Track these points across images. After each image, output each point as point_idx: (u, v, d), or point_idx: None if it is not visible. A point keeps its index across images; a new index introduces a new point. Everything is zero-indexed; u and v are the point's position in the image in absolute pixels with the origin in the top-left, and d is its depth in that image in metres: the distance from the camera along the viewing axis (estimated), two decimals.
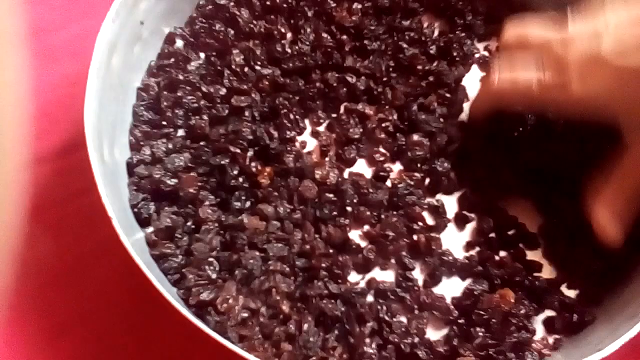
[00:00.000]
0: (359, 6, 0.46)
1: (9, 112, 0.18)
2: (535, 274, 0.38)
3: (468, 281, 0.38)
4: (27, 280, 0.35)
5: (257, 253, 0.36)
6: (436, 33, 0.47)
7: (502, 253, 0.39)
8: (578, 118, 0.37)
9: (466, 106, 0.44)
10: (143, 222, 0.37)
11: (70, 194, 0.39)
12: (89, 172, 0.33)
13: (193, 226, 0.37)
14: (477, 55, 0.46)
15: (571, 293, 0.38)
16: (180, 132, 0.41)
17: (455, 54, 0.45)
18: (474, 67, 0.46)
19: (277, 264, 0.36)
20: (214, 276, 0.36)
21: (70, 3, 0.48)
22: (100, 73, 0.35)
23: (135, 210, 0.37)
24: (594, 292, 0.38)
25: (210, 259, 0.36)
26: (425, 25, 0.47)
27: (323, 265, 0.37)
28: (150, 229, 0.37)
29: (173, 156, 0.39)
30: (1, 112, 0.18)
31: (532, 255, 0.39)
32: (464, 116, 0.43)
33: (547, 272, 0.39)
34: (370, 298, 0.37)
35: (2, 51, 0.18)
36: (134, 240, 0.34)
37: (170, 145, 0.40)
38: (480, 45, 0.47)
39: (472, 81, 0.45)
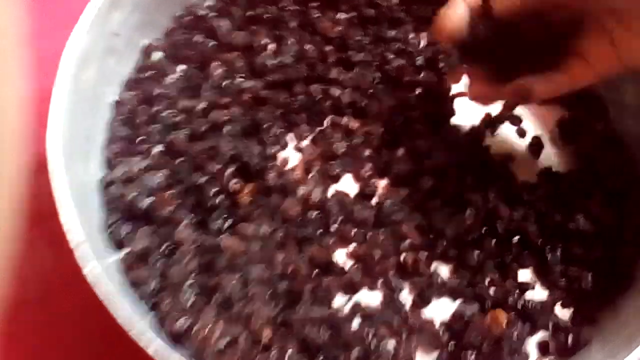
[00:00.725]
0: (344, 16, 0.45)
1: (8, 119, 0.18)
2: (528, 294, 0.37)
3: (458, 302, 0.37)
4: None
5: (237, 276, 0.35)
6: (423, 43, 0.45)
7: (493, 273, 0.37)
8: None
9: (453, 120, 0.42)
10: (117, 244, 0.35)
11: (40, 216, 0.37)
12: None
13: (170, 248, 0.36)
14: (465, 66, 0.45)
15: (565, 312, 0.37)
16: (157, 149, 0.39)
17: (442, 64, 0.44)
18: (463, 78, 0.45)
19: (258, 287, 0.34)
20: (191, 301, 0.34)
21: (42, 14, 0.46)
22: (69, 87, 0.34)
23: (110, 231, 0.35)
24: (588, 311, 0.37)
25: (188, 283, 0.34)
26: (411, 35, 0.45)
27: (306, 287, 0.35)
28: (124, 252, 0.35)
29: (149, 174, 0.37)
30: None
31: (523, 273, 0.38)
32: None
33: (539, 291, 0.37)
34: (356, 322, 0.35)
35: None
36: (107, 265, 0.33)
37: (146, 163, 0.38)
38: None
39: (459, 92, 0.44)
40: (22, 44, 0.20)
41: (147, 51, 0.42)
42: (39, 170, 0.32)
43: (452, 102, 0.43)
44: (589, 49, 0.34)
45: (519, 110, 0.43)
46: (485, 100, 0.40)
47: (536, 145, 0.42)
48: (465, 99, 0.44)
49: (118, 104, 0.40)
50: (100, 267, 0.29)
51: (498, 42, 0.36)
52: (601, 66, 0.35)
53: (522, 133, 0.43)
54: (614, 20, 0.33)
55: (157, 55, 0.43)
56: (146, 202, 0.36)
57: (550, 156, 0.42)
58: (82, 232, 0.30)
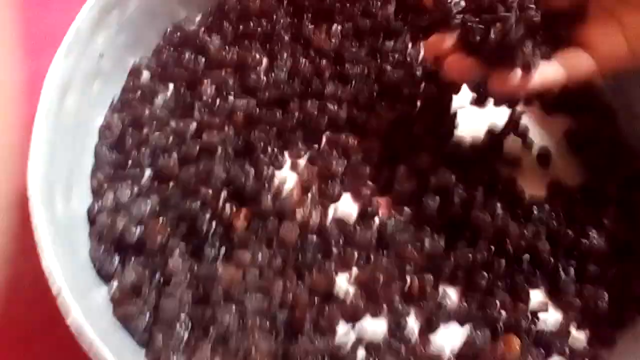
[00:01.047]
0: (339, 28, 0.44)
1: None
2: (541, 316, 0.35)
3: (467, 328, 0.35)
4: None
5: (234, 307, 0.33)
6: (421, 54, 0.44)
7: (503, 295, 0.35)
8: None
9: (456, 132, 0.41)
10: (106, 277, 0.34)
11: (20, 252, 0.35)
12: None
13: (162, 279, 0.34)
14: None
15: (581, 335, 0.35)
16: (147, 173, 0.37)
17: (442, 76, 0.42)
18: (464, 88, 0.43)
19: (257, 318, 0.33)
20: (186, 336, 0.32)
21: (24, 38, 0.44)
22: (51, 117, 0.32)
23: (97, 264, 0.33)
24: (606, 332, 0.35)
25: (182, 316, 0.32)
26: (409, 46, 0.44)
27: (308, 317, 0.33)
28: (114, 285, 0.33)
29: (139, 201, 0.35)
30: None
31: (535, 294, 0.36)
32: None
33: (553, 313, 0.35)
34: (361, 352, 0.33)
35: None
36: (90, 302, 0.31)
37: (135, 189, 0.36)
38: None
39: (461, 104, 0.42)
40: (8, 68, 0.18)
41: (134, 71, 0.41)
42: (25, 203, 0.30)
43: (454, 114, 0.41)
44: (595, 38, 0.33)
45: (525, 121, 0.42)
46: (462, 73, 0.36)
47: (544, 157, 0.41)
48: (469, 111, 0.42)
49: (104, 128, 0.38)
50: (82, 313, 0.27)
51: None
52: (609, 56, 0.33)
53: (529, 145, 0.41)
54: (622, 4, 0.31)
55: (145, 75, 0.41)
56: (136, 231, 0.34)
57: (559, 168, 0.40)
58: (62, 277, 0.28)
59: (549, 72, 0.34)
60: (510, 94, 0.40)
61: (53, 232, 0.29)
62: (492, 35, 0.32)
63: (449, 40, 0.35)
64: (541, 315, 0.35)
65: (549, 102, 0.43)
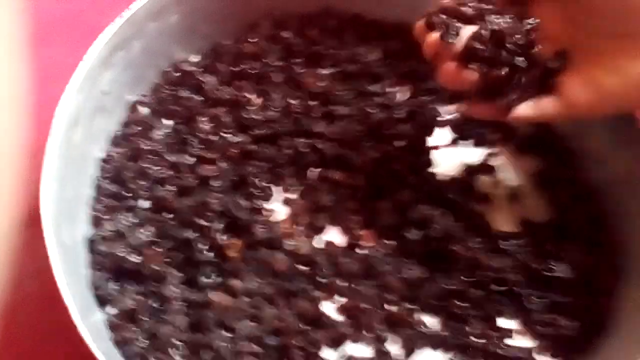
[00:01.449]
0: (327, 72, 0.47)
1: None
2: (509, 342, 0.37)
3: (443, 352, 0.37)
4: None
5: (226, 333, 0.35)
6: (403, 97, 0.47)
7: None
8: None
9: (433, 171, 0.44)
10: (104, 303, 0.35)
11: (22, 275, 0.37)
12: (42, 251, 0.31)
13: (158, 306, 0.36)
14: (441, 119, 0.47)
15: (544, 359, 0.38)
16: (145, 205, 0.39)
17: (421, 118, 0.46)
18: (440, 130, 0.46)
19: (248, 343, 0.34)
20: None
21: (30, 69, 0.46)
22: (62, 150, 0.34)
23: (97, 291, 0.35)
24: (570, 357, 0.37)
25: (176, 342, 0.34)
26: (392, 90, 0.47)
27: (296, 343, 0.35)
28: (112, 311, 0.35)
29: (137, 231, 0.37)
30: None
31: (504, 322, 0.38)
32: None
33: (523, 340, 0.38)
34: None
35: None
36: (92, 324, 0.32)
37: (134, 219, 0.38)
38: (445, 109, 0.47)
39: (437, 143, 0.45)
40: (19, 97, 0.20)
41: (133, 107, 0.43)
42: (31, 224, 0.32)
43: (429, 154, 0.44)
44: (565, 85, 0.35)
45: (496, 161, 0.45)
46: (452, 82, 0.37)
47: (513, 195, 0.44)
48: (445, 151, 0.45)
49: (105, 160, 0.40)
50: (86, 327, 0.29)
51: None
52: (575, 104, 0.35)
53: (499, 183, 0.44)
54: (590, 59, 0.34)
55: (143, 111, 0.43)
56: (134, 259, 0.36)
57: (528, 205, 0.44)
58: (70, 297, 0.30)
59: (521, 109, 0.36)
60: (487, 119, 0.41)
61: (62, 255, 0.31)
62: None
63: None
64: (512, 341, 0.38)
65: (518, 145, 0.46)
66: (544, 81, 0.35)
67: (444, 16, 0.36)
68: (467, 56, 0.36)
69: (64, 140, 0.35)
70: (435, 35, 0.37)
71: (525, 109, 0.36)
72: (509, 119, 0.37)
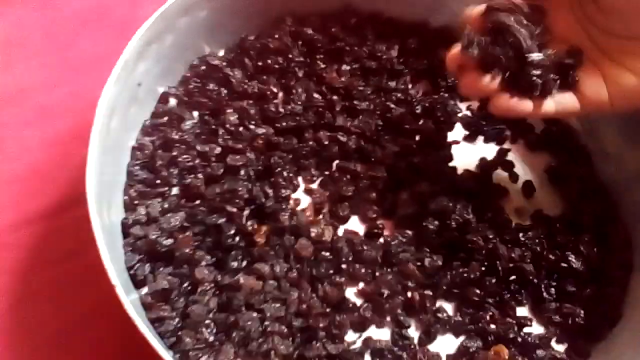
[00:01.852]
0: (348, 68, 0.48)
1: None
2: (526, 330, 0.39)
3: (462, 338, 0.39)
4: (22, 342, 0.34)
5: (254, 314, 0.36)
6: (420, 93, 0.49)
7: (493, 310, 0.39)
8: None
9: (451, 164, 0.45)
10: (138, 284, 0.37)
11: (65, 254, 0.38)
12: (83, 231, 0.33)
13: (189, 287, 0.37)
14: (459, 115, 0.48)
15: (560, 347, 0.39)
16: (175, 191, 0.41)
17: (439, 114, 0.47)
18: (457, 126, 0.48)
19: (275, 324, 0.36)
20: (211, 339, 0.35)
21: (60, 62, 0.48)
22: (101, 137, 0.36)
23: (131, 271, 0.37)
24: (581, 346, 0.39)
25: (207, 321, 0.36)
26: (410, 86, 0.49)
27: (321, 325, 0.37)
28: (145, 291, 0.36)
29: (168, 216, 0.39)
30: None
31: (520, 311, 0.40)
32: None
33: (536, 327, 0.40)
34: (367, 358, 0.37)
35: None
36: (131, 302, 0.34)
37: (165, 205, 0.40)
38: (462, 105, 0.49)
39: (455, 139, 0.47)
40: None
41: (164, 98, 0.45)
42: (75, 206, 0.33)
43: (449, 148, 0.46)
44: (583, 82, 0.37)
45: (511, 156, 0.47)
46: (474, 91, 0.39)
47: (528, 189, 0.46)
48: (463, 146, 0.47)
49: (137, 148, 0.42)
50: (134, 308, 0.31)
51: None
52: (592, 101, 0.36)
53: (514, 178, 0.46)
54: (606, 57, 0.35)
55: (173, 102, 0.45)
56: (166, 242, 0.38)
57: (541, 199, 0.45)
58: (115, 274, 0.31)
59: (544, 106, 0.37)
60: (509, 116, 0.43)
61: (105, 237, 0.32)
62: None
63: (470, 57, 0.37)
64: (526, 329, 0.39)
65: (532, 141, 0.48)
66: (563, 77, 0.37)
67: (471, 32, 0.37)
68: (486, 63, 0.37)
69: (104, 129, 0.36)
70: (456, 48, 0.38)
71: (547, 106, 0.37)
72: (531, 116, 0.38)
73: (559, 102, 0.37)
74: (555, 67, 0.37)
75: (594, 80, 0.36)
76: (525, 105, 0.37)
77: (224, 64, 0.48)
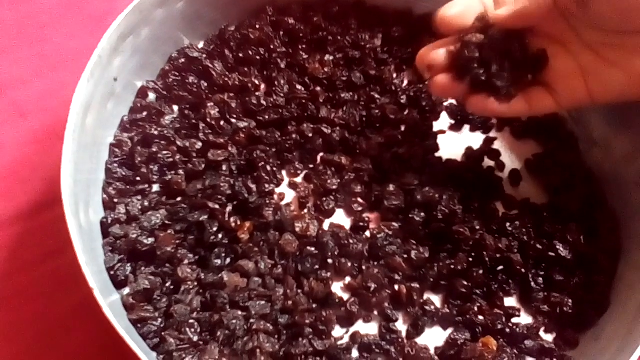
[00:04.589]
0: (331, 58, 0.48)
1: None
2: (514, 320, 0.39)
3: (450, 330, 0.38)
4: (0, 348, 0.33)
5: (239, 312, 0.36)
6: (405, 83, 0.48)
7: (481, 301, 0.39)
8: None
9: (437, 154, 0.45)
10: (119, 284, 0.36)
11: (43, 255, 0.38)
12: (61, 232, 0.32)
13: (172, 287, 0.36)
14: (445, 104, 0.48)
15: (549, 337, 0.39)
16: (156, 188, 0.40)
17: (424, 103, 0.47)
18: (443, 115, 0.47)
19: (260, 322, 0.35)
20: (195, 338, 0.35)
21: (35, 57, 0.47)
22: (76, 134, 0.34)
23: (112, 272, 0.36)
24: (570, 335, 0.39)
25: (191, 321, 0.35)
26: (395, 75, 0.48)
27: (307, 321, 0.36)
28: (127, 291, 0.36)
29: (149, 214, 0.38)
30: None
31: (508, 301, 0.40)
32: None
33: (524, 317, 0.39)
34: (355, 353, 0.37)
35: None
36: (110, 303, 0.33)
37: (145, 203, 0.39)
38: None
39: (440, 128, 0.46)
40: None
41: (142, 93, 0.44)
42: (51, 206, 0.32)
43: (435, 138, 0.45)
44: (556, 80, 0.36)
45: (498, 145, 0.46)
46: (446, 92, 0.40)
47: (514, 178, 0.45)
48: (448, 136, 0.46)
49: (115, 145, 0.41)
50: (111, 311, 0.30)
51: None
52: (567, 98, 0.36)
53: (501, 167, 0.46)
54: (588, 51, 0.34)
55: (152, 97, 0.44)
56: (147, 241, 0.37)
57: (527, 188, 0.45)
58: (90, 273, 0.30)
59: (515, 105, 0.38)
60: (484, 115, 0.44)
61: (81, 238, 0.31)
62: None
63: (440, 55, 0.37)
64: (514, 319, 0.39)
65: (518, 129, 0.47)
66: (532, 74, 0.37)
67: None
68: (458, 64, 0.37)
69: (79, 126, 0.35)
70: (425, 49, 0.38)
71: (517, 104, 0.37)
72: (503, 114, 0.38)
73: (529, 100, 0.37)
74: (527, 65, 0.37)
75: (569, 77, 0.36)
76: (500, 105, 0.37)
77: (204, 56, 0.46)
